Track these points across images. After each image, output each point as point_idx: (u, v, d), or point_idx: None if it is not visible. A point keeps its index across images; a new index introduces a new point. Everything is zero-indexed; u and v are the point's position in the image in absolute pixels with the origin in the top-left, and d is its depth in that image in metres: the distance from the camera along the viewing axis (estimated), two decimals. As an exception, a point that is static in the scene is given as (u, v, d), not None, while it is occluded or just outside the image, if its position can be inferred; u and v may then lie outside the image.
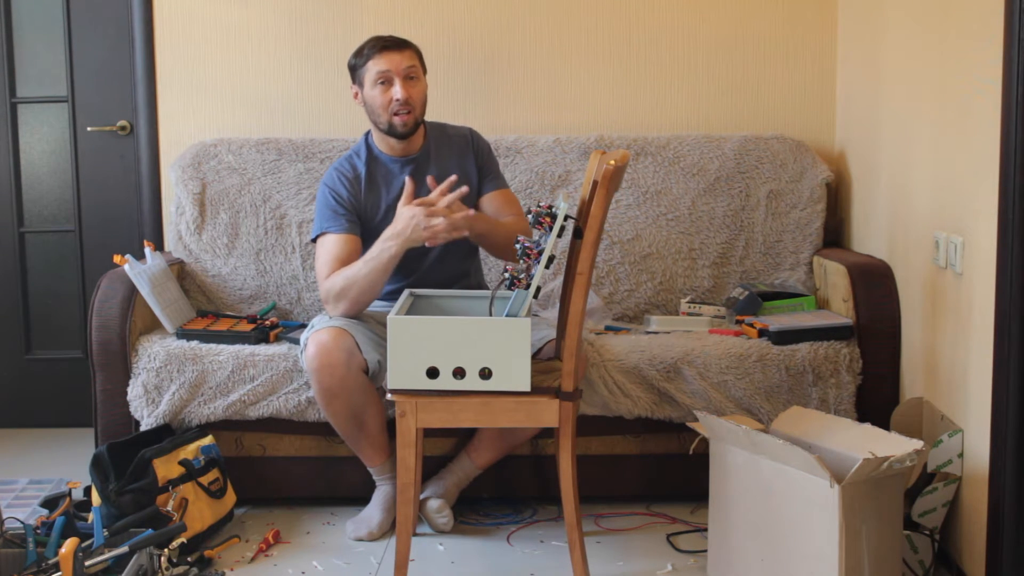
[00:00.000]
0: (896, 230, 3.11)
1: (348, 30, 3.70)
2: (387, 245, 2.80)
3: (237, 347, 3.11)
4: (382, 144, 3.07)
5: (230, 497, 3.03)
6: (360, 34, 3.23)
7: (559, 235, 2.42)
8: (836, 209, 3.69)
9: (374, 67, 2.96)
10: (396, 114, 2.96)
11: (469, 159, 3.11)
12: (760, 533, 2.49)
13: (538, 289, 2.45)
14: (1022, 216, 2.31)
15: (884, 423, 2.88)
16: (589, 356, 3.02)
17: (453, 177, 2.83)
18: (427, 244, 2.78)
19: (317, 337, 2.84)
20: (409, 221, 2.76)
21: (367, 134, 3.11)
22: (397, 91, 2.94)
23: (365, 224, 3.02)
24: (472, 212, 2.80)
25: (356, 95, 3.04)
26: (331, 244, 2.96)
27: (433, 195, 2.79)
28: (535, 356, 2.79)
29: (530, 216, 2.43)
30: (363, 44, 3.01)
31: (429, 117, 3.12)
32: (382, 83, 2.96)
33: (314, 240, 3.02)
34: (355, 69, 3.02)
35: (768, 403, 3.03)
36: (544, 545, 2.95)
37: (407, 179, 2.87)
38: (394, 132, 2.99)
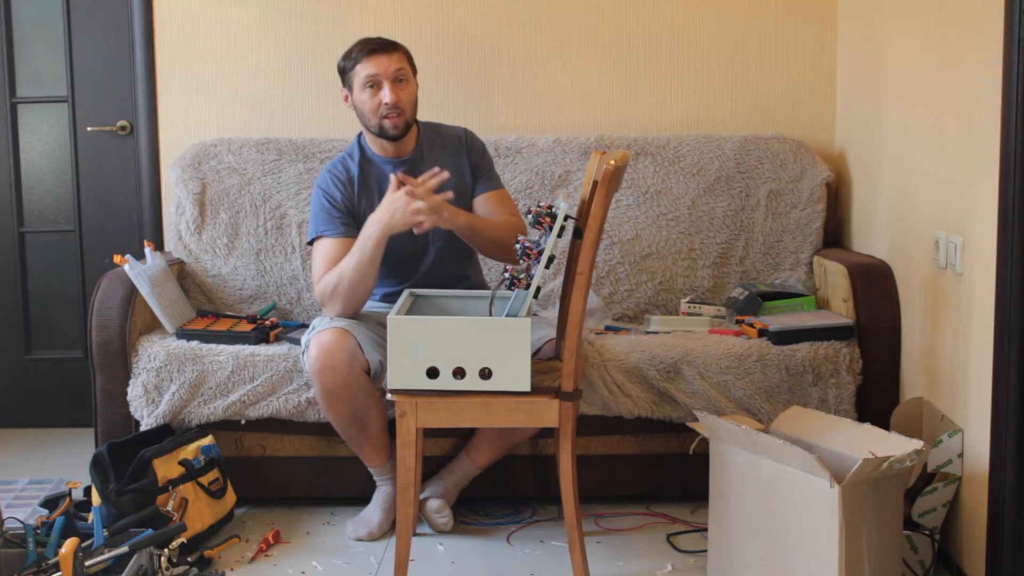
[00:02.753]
0: (896, 230, 3.11)
1: (348, 30, 3.70)
2: (370, 231, 2.80)
3: (237, 347, 3.11)
4: (375, 145, 3.06)
5: (230, 497, 3.03)
6: (360, 34, 3.21)
7: (559, 235, 2.42)
8: (836, 209, 3.68)
9: (362, 71, 2.95)
10: (386, 117, 2.95)
11: (463, 160, 3.09)
12: (760, 533, 2.49)
13: (538, 289, 2.45)
14: (1022, 216, 2.31)
15: (884, 423, 2.87)
16: (589, 356, 3.02)
17: (436, 169, 2.81)
18: (414, 231, 2.76)
19: (319, 338, 2.83)
20: (390, 206, 2.77)
21: (360, 135, 3.10)
22: (386, 95, 2.93)
23: (360, 225, 3.01)
24: (449, 202, 2.78)
25: (346, 98, 3.03)
26: (327, 248, 2.94)
27: (416, 182, 2.78)
28: (535, 355, 2.79)
29: (530, 216, 2.43)
30: (351, 47, 3.00)
31: (429, 117, 3.12)
32: (371, 87, 2.95)
33: (310, 243, 3.02)
34: (344, 73, 3.01)
35: (768, 403, 3.03)
36: (544, 545, 2.95)
37: (395, 174, 2.85)
38: (385, 135, 2.98)
